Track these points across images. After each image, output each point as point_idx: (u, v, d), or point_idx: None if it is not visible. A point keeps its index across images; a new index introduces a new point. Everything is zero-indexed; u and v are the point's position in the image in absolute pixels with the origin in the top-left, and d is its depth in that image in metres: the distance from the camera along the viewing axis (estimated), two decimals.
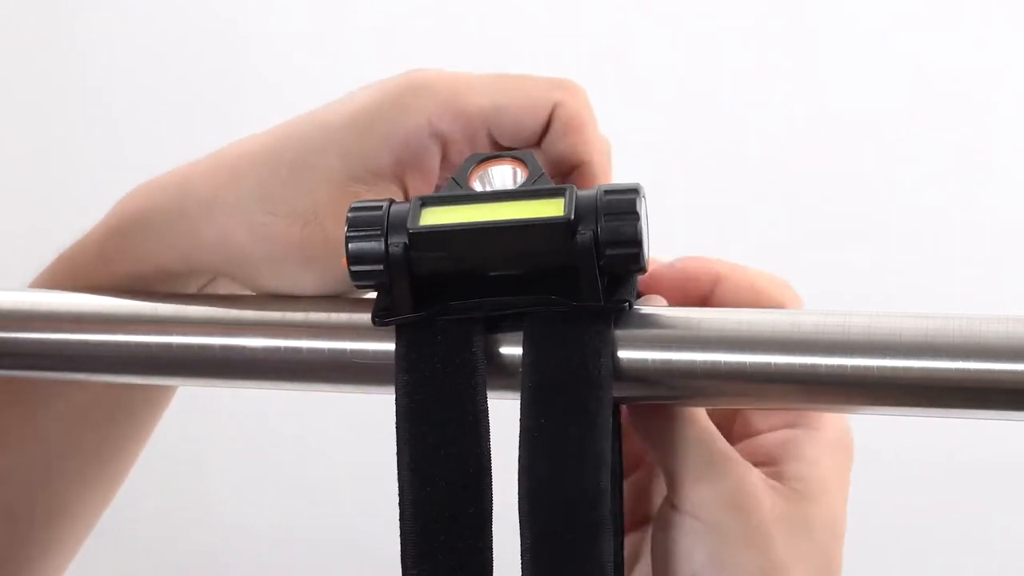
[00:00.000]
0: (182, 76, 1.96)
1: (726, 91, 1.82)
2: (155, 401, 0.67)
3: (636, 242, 0.51)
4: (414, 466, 0.52)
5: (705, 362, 0.52)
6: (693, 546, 0.54)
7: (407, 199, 0.57)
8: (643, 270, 0.53)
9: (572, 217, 0.51)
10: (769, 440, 0.58)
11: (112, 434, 0.66)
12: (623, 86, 1.81)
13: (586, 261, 0.51)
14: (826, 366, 0.50)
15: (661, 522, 0.56)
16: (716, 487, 0.54)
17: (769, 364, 0.51)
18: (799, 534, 0.55)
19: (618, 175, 0.58)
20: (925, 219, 1.79)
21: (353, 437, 1.95)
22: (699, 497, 0.54)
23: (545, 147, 0.58)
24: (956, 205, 1.78)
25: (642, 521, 0.60)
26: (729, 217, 1.81)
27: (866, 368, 0.50)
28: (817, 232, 1.81)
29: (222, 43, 1.97)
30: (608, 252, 0.51)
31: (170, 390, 0.67)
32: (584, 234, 0.51)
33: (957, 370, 0.49)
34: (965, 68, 1.78)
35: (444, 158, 0.59)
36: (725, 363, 0.52)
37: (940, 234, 1.79)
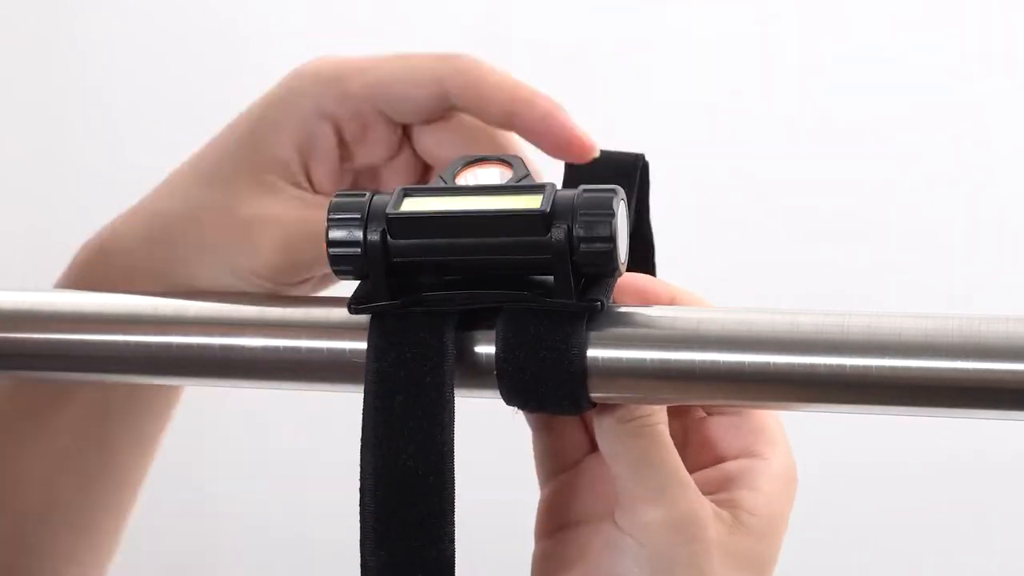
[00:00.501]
0: (182, 76, 1.96)
1: (727, 92, 1.82)
2: (168, 392, 0.68)
3: (609, 239, 0.52)
4: (377, 452, 0.53)
5: (705, 361, 0.52)
6: (632, 569, 0.55)
7: (314, 189, 0.62)
8: (617, 270, 0.53)
9: (548, 210, 0.52)
10: (726, 469, 0.58)
11: (129, 426, 0.68)
12: (622, 88, 1.81)
13: (559, 256, 0.52)
14: (825, 366, 0.50)
15: (603, 537, 0.56)
16: (666, 514, 0.54)
17: (768, 364, 0.51)
18: (742, 568, 0.55)
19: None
20: (925, 219, 1.79)
21: (354, 437, 1.95)
22: (646, 521, 0.54)
23: (457, 124, 0.61)
24: (956, 205, 1.78)
25: (565, 526, 0.59)
26: (729, 217, 1.81)
27: (865, 368, 0.50)
28: (817, 232, 1.81)
29: (222, 43, 1.97)
30: (582, 248, 0.52)
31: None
32: (559, 228, 0.52)
33: (956, 370, 0.49)
34: (965, 67, 1.78)
35: (341, 143, 0.62)
36: (724, 362, 0.51)
37: (940, 234, 1.79)
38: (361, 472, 0.53)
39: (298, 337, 0.56)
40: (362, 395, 0.61)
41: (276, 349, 0.56)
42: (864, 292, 1.75)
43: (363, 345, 0.55)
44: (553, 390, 0.52)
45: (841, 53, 1.80)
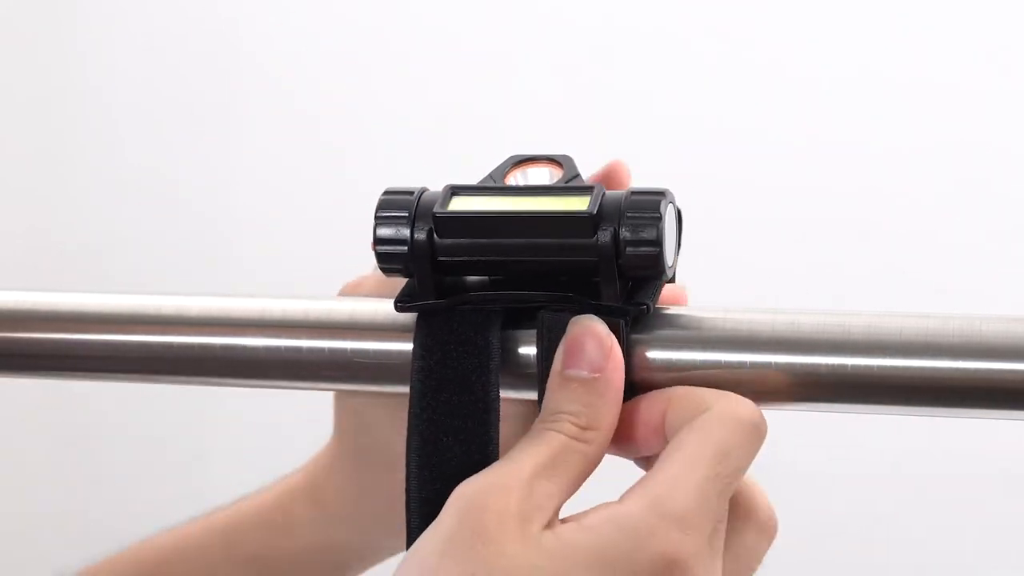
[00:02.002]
0: (182, 76, 1.96)
1: (728, 92, 1.82)
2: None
3: (656, 243, 0.51)
4: (421, 451, 0.52)
5: (718, 362, 0.52)
6: None
7: None
8: (664, 274, 0.52)
9: (595, 212, 0.51)
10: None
11: None
12: (624, 92, 1.81)
13: (605, 259, 0.51)
14: (826, 366, 0.50)
15: None
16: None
17: (769, 364, 0.51)
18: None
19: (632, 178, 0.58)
20: (925, 219, 1.79)
21: None
22: None
23: None
24: (956, 205, 1.78)
25: None
26: (729, 218, 1.81)
27: (866, 368, 0.50)
28: (818, 232, 1.81)
29: (222, 43, 1.97)
30: (628, 251, 0.51)
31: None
32: (605, 231, 0.51)
33: (957, 370, 0.49)
34: (965, 68, 1.78)
35: None
36: (726, 363, 0.52)
37: (940, 234, 1.79)
38: (406, 471, 0.53)
39: (299, 337, 0.56)
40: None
41: (277, 349, 0.56)
42: (864, 292, 1.75)
43: (365, 344, 0.55)
44: None
45: (841, 54, 1.80)
